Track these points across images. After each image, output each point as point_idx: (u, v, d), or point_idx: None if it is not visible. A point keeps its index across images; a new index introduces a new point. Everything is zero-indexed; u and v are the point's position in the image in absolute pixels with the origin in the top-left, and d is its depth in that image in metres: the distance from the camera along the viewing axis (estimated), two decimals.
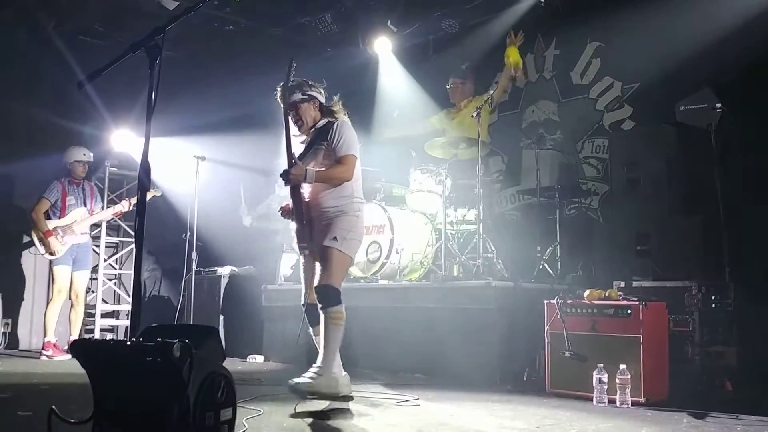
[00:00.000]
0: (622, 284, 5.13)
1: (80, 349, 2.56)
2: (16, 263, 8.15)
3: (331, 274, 4.37)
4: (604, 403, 4.42)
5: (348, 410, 4.18)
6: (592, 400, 4.47)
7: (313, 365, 4.27)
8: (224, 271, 8.13)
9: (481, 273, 5.97)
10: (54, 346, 7.21)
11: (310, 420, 3.90)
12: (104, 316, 8.75)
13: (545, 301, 5.00)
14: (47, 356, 7.12)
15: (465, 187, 6.75)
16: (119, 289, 9.14)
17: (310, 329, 4.61)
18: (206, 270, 8.19)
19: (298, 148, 4.64)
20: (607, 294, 4.83)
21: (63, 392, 4.98)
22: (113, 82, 7.02)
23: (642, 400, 4.41)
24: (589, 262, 6.42)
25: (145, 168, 2.84)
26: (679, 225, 5.57)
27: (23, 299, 8.26)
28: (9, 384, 5.19)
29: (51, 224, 7.38)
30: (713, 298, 4.92)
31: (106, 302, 8.91)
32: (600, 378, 4.45)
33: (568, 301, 4.90)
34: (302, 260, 4.73)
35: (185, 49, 8.52)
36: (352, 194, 4.58)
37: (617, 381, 4.38)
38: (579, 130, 7.42)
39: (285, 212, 4.73)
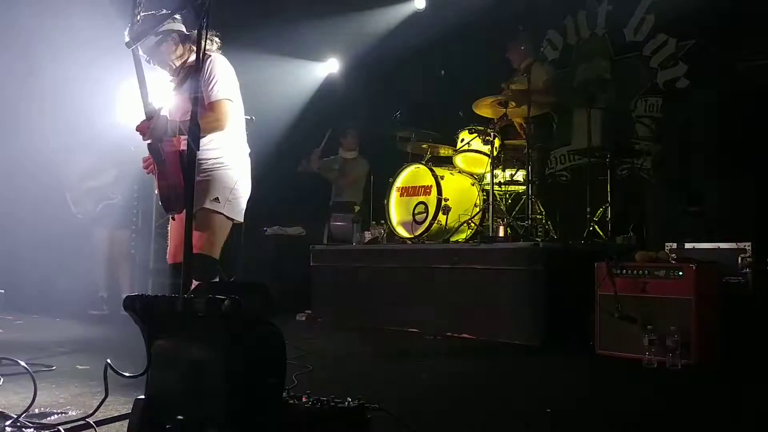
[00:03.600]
0: (674, 246, 5.04)
1: (133, 304, 2.60)
2: (70, 225, 8.29)
3: (213, 242, 3.80)
4: (654, 365, 4.37)
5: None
6: (641, 362, 4.44)
7: None
8: (272, 230, 8.26)
9: (529, 234, 5.91)
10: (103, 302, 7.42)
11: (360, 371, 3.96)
12: (156, 274, 8.91)
13: (596, 263, 4.95)
14: (94, 312, 7.33)
15: (514, 147, 6.68)
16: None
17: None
18: (261, 229, 8.30)
19: (170, 94, 3.93)
20: (658, 255, 4.76)
21: (118, 347, 5.09)
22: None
23: (693, 362, 4.35)
24: (640, 223, 6.31)
25: (195, 123, 2.84)
26: (733, 186, 5.43)
27: (77, 260, 8.43)
28: (67, 339, 5.34)
29: (85, 185, 7.50)
30: None
31: (159, 261, 9.06)
32: (650, 340, 4.40)
33: (619, 263, 4.84)
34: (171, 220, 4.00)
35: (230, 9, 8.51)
36: (234, 144, 3.96)
37: (668, 343, 4.32)
38: (632, 88, 7.24)
39: (147, 166, 3.80)
